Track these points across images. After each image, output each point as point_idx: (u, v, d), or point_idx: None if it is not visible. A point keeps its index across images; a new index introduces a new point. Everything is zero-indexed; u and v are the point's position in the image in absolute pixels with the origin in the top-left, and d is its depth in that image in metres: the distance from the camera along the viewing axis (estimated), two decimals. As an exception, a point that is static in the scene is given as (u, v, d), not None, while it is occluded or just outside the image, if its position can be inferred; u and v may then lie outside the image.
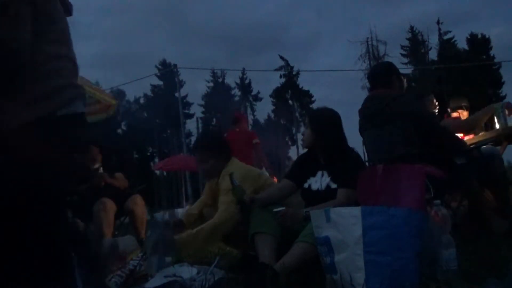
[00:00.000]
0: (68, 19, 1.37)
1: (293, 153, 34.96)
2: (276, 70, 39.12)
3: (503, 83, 33.83)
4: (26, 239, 1.11)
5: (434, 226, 1.74)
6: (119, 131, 36.79)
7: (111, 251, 2.56)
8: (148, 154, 39.55)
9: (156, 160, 36.84)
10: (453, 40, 35.52)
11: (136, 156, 37.84)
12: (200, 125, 38.05)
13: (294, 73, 39.91)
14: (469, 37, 35.07)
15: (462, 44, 35.17)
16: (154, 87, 38.65)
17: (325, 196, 2.18)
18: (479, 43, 34.37)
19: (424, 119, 2.42)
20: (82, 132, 1.30)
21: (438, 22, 35.58)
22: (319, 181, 2.30)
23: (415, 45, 35.94)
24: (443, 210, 1.81)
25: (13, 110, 1.12)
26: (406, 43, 36.22)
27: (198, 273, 2.06)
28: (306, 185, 2.35)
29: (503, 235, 2.25)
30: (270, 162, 6.71)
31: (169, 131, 36.94)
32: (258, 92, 41.37)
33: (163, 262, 2.11)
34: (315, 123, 2.35)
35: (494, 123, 3.13)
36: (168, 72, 32.88)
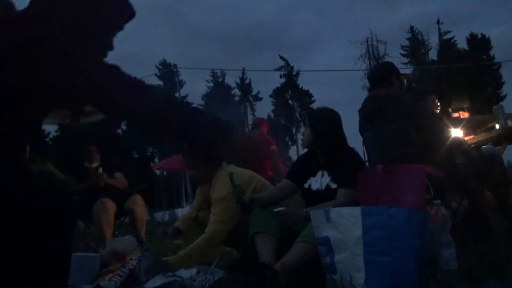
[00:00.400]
0: None
1: (293, 153, 35.01)
2: (276, 70, 39.12)
3: (503, 83, 33.83)
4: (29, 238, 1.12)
5: (434, 226, 1.74)
6: (119, 131, 36.79)
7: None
8: (148, 154, 39.53)
9: (156, 160, 36.83)
10: (453, 40, 35.50)
11: (136, 156, 37.82)
12: (200, 125, 37.95)
13: (294, 73, 39.90)
14: (469, 37, 35.05)
15: (462, 44, 35.18)
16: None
17: (325, 196, 2.17)
18: (479, 43, 34.36)
19: (424, 118, 2.43)
20: None
21: (438, 22, 35.57)
22: (319, 181, 2.30)
23: (415, 45, 35.92)
24: (443, 210, 1.81)
25: None
26: (406, 43, 36.21)
27: (198, 273, 2.06)
28: (306, 185, 2.35)
29: (503, 235, 2.25)
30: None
31: (169, 131, 36.87)
32: (258, 92, 41.37)
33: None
34: (315, 123, 2.35)
35: (494, 123, 3.13)
36: (168, 72, 32.87)
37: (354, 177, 2.00)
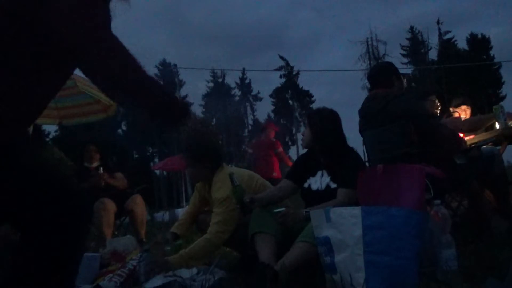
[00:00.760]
0: None
1: (293, 153, 35.03)
2: (276, 70, 39.19)
3: (503, 83, 33.89)
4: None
5: (434, 226, 1.74)
6: (119, 131, 36.77)
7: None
8: (148, 154, 39.53)
9: (156, 160, 36.83)
10: (453, 40, 35.56)
11: (136, 156, 37.83)
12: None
13: (294, 73, 39.95)
14: (469, 37, 35.11)
15: (462, 44, 35.25)
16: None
17: (325, 196, 2.18)
18: (479, 43, 34.40)
19: (423, 118, 2.42)
20: None
21: (438, 22, 35.65)
22: (319, 181, 2.31)
23: (415, 45, 35.97)
24: (443, 210, 1.81)
25: None
26: (406, 43, 36.29)
27: (198, 273, 2.06)
28: (306, 185, 2.35)
29: (503, 235, 2.26)
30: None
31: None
32: (258, 92, 41.45)
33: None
34: (314, 123, 2.35)
35: (494, 123, 3.13)
36: (168, 72, 32.84)
37: (354, 176, 2.00)
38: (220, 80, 41.06)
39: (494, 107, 3.16)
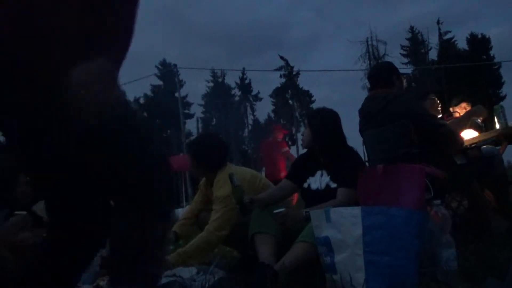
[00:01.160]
0: None
1: (293, 153, 34.95)
2: (276, 70, 39.13)
3: (503, 83, 33.82)
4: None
5: (434, 226, 1.74)
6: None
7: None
8: (148, 154, 39.47)
9: (156, 160, 36.76)
10: (453, 40, 35.52)
11: (136, 156, 37.76)
12: (200, 125, 38.08)
13: (294, 73, 39.90)
14: (469, 37, 35.04)
15: (462, 44, 35.17)
16: (154, 87, 38.61)
17: (324, 196, 2.18)
18: (479, 43, 34.34)
19: (423, 118, 2.42)
20: None
21: (438, 22, 35.60)
22: (318, 181, 2.31)
23: (415, 45, 35.94)
24: (443, 210, 1.80)
25: None
26: (406, 43, 36.23)
27: (198, 273, 2.06)
28: (305, 185, 2.35)
29: (503, 235, 2.25)
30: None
31: (169, 131, 36.92)
32: (258, 92, 41.42)
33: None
34: (314, 123, 2.36)
35: (494, 123, 3.13)
36: (168, 72, 32.86)
37: (353, 176, 2.00)
38: (220, 80, 41.05)
39: (494, 107, 3.16)
